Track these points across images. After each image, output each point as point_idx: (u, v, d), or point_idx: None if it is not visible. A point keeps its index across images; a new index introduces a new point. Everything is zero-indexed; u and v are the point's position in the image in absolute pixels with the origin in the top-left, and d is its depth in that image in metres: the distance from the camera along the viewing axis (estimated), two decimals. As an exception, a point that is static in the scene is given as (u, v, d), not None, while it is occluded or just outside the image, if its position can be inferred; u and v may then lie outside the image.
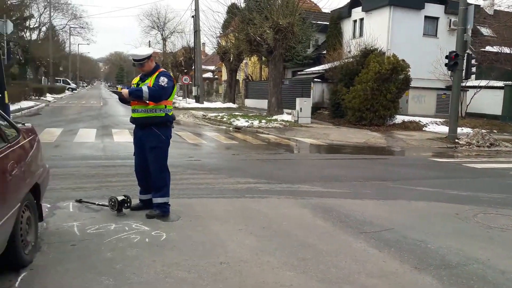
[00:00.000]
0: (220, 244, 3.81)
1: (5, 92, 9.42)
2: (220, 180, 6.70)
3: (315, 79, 21.40)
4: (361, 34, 22.14)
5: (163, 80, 4.42)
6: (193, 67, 30.89)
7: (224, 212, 4.86)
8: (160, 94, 4.40)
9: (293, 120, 17.34)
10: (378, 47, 18.69)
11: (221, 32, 31.31)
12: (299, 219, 4.70)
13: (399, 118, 17.50)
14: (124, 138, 11.29)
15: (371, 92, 16.29)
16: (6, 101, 9.51)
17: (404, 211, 5.35)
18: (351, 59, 18.73)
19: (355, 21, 23.51)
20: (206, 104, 28.07)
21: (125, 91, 4.40)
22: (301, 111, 17.31)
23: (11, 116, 11.31)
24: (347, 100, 17.11)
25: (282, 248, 3.76)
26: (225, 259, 3.45)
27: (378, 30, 19.97)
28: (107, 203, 4.71)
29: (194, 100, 29.38)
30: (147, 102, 4.41)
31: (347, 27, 24.13)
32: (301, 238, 4.06)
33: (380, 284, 3.13)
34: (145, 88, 4.34)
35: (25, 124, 4.01)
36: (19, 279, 2.98)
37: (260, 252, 3.64)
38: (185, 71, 37.49)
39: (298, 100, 17.77)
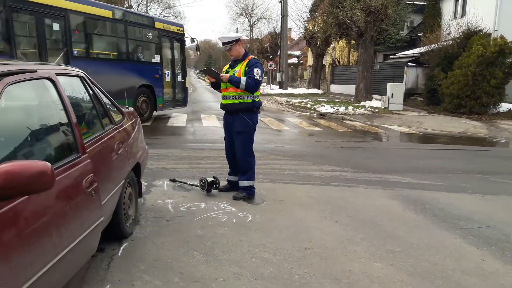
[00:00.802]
0: (304, 229, 3.86)
1: (186, 78, 13.10)
2: (303, 166, 6.73)
3: (409, 63, 20.23)
4: (463, 14, 20.31)
5: (258, 73, 4.57)
6: (279, 52, 31.00)
7: (308, 198, 4.88)
8: (255, 87, 4.61)
9: (382, 107, 16.65)
10: (483, 28, 17.02)
11: (308, 16, 30.93)
12: (387, 210, 4.56)
13: (504, 106, 15.86)
14: (212, 123, 11.81)
15: (472, 77, 14.96)
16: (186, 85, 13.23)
17: (507, 207, 4.90)
18: (451, 42, 17.33)
19: (457, 0, 21.64)
20: (290, 90, 28.12)
21: (226, 76, 4.60)
22: (392, 97, 16.53)
23: (187, 98, 13.57)
24: (445, 86, 15.92)
25: (369, 238, 3.69)
26: (310, 245, 3.49)
27: (483, 10, 18.14)
28: (197, 183, 5.02)
29: (278, 86, 29.58)
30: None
31: (447, 7, 22.31)
32: (390, 229, 3.94)
33: (478, 283, 2.94)
34: (243, 80, 4.54)
35: (129, 108, 4.41)
36: (121, 249, 3.33)
37: (346, 241, 3.62)
38: (270, 57, 37.82)
39: (389, 85, 16.98)
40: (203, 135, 9.76)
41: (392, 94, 16.54)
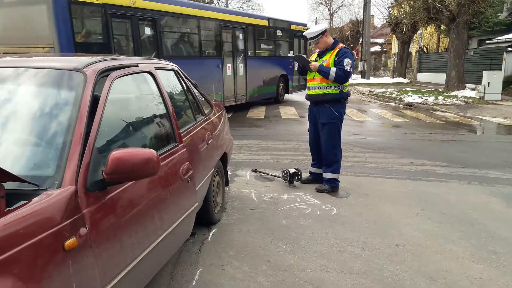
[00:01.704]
0: (393, 225, 3.73)
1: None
2: (390, 160, 6.48)
3: (508, 48, 18.42)
4: None
5: (348, 63, 4.47)
6: (360, 41, 29.99)
7: (396, 193, 4.70)
8: (344, 78, 4.53)
9: (477, 97, 15.39)
10: None
11: (393, 1, 29.47)
12: (487, 208, 4.24)
13: None
14: (289, 115, 11.83)
15: None
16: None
17: None
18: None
19: None
20: (372, 80, 27.11)
21: (315, 65, 4.57)
22: (488, 85, 15.20)
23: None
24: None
25: (467, 237, 3.47)
26: (401, 242, 3.37)
27: None
28: (279, 174, 5.08)
29: (359, 76, 28.68)
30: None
31: (557, -19, 19.90)
32: (491, 229, 3.66)
33: None
34: (333, 71, 4.46)
35: (216, 100, 4.60)
36: (210, 234, 3.50)
37: (441, 239, 3.43)
38: (351, 45, 36.75)
39: (485, 73, 15.62)
40: (282, 127, 9.82)
41: (488, 82, 15.20)
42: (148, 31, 8.85)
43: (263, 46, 13.82)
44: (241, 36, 12.28)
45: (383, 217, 3.93)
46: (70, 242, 1.52)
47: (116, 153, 1.76)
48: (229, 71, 11.69)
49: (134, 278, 1.99)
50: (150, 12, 8.74)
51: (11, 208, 1.46)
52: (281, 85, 14.77)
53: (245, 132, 9.14)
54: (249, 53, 12.73)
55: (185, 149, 2.69)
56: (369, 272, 2.87)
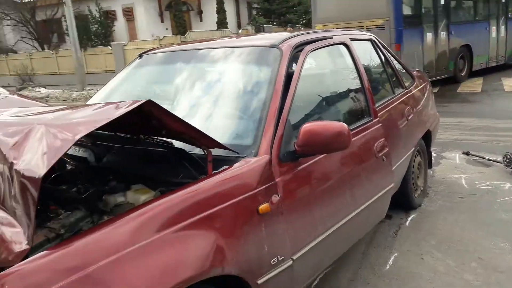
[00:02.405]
0: None
1: None
2: None
3: None
4: None
5: None
6: None
7: None
8: None
9: None
10: None
11: None
12: None
13: None
14: (516, 88, 10.00)
15: None
16: None
17: None
18: None
19: None
20: None
21: None
22: None
23: None
24: None
25: None
26: None
27: None
28: (499, 159, 4.36)
29: None
30: None
31: None
32: None
33: None
34: None
35: (418, 71, 4.22)
36: (409, 219, 3.27)
37: None
38: None
39: None
40: (505, 102, 8.39)
41: None
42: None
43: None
44: None
45: None
46: (263, 206, 1.62)
47: (307, 126, 1.79)
48: (493, 33, 11.57)
49: (324, 251, 2.01)
50: None
51: (217, 171, 1.64)
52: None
53: (455, 108, 8.17)
54: (510, 15, 12.23)
55: (380, 124, 2.55)
56: None
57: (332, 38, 2.55)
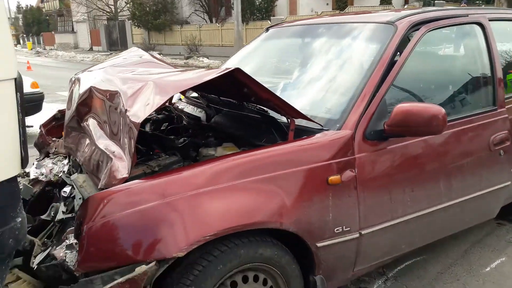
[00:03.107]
0: None
1: None
2: None
3: None
4: None
5: None
6: None
7: None
8: None
9: None
10: None
11: None
12: None
13: None
14: None
15: None
16: None
17: None
18: None
19: None
20: None
21: None
22: None
23: None
24: None
25: None
26: None
27: None
28: None
29: None
30: None
31: None
32: None
33: None
34: None
35: None
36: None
37: None
38: None
39: None
40: None
41: None
42: None
43: None
44: None
45: None
46: (334, 178, 1.73)
47: (401, 106, 1.80)
48: None
49: (401, 235, 2.01)
50: None
51: (297, 139, 1.80)
52: None
53: None
54: None
55: (506, 116, 2.33)
56: None
57: (467, 16, 2.38)
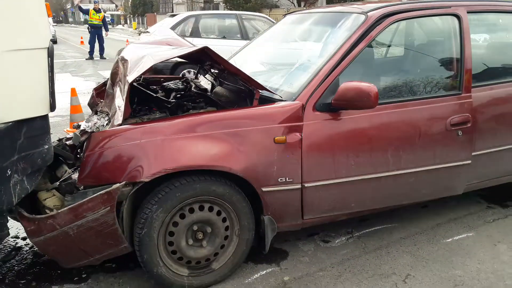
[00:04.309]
0: None
1: None
2: None
3: None
4: None
5: None
6: None
7: None
8: None
9: None
10: None
11: None
12: None
13: None
14: None
15: None
16: None
17: None
18: None
19: None
20: None
21: None
22: None
23: None
24: None
25: None
26: None
27: None
28: None
29: None
30: None
31: None
32: None
33: None
34: None
35: None
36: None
37: None
38: None
39: None
40: None
41: None
42: None
43: None
44: None
45: None
46: (280, 138, 2.18)
47: (344, 84, 2.20)
48: None
49: (347, 194, 2.39)
50: None
51: (258, 106, 2.28)
52: None
53: None
54: None
55: (469, 100, 2.55)
56: None
57: (444, 8, 2.63)
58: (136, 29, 38.67)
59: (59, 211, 2.01)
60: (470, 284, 2.28)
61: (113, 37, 22.84)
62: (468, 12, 2.67)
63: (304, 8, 22.35)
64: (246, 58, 3.20)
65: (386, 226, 2.88)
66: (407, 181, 2.50)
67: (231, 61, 2.73)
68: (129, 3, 52.90)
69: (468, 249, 2.60)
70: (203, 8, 33.41)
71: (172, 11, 40.69)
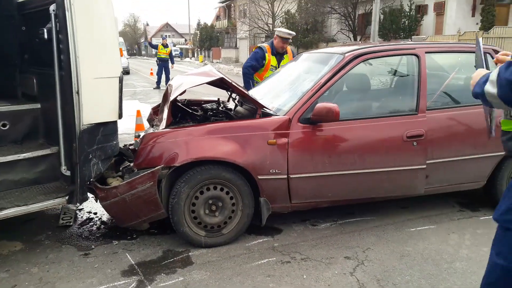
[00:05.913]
0: None
1: None
2: None
3: None
4: None
5: None
6: None
7: None
8: None
9: None
10: None
11: None
12: None
13: None
14: None
15: None
16: None
17: None
18: None
19: None
20: None
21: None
22: None
23: None
24: None
25: None
26: None
27: None
28: None
29: None
30: None
31: None
32: None
33: None
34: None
35: None
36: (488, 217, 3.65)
37: None
38: None
39: None
40: None
41: None
42: None
43: None
44: None
45: None
46: (271, 141, 3.12)
47: (318, 104, 3.11)
48: None
49: (323, 185, 3.24)
50: None
51: (259, 118, 3.24)
52: None
53: None
54: None
55: (424, 119, 3.32)
56: None
57: (407, 50, 3.49)
58: (202, 61, 41.47)
59: (120, 183, 3.07)
60: (414, 256, 3.01)
61: (179, 68, 24.99)
62: (426, 53, 3.49)
63: (360, 42, 23.24)
64: (268, 83, 4.22)
65: (366, 218, 3.66)
66: (372, 178, 3.31)
67: (257, 87, 3.78)
68: (197, 37, 56.66)
69: (424, 236, 3.32)
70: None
71: (236, 46, 43.21)
